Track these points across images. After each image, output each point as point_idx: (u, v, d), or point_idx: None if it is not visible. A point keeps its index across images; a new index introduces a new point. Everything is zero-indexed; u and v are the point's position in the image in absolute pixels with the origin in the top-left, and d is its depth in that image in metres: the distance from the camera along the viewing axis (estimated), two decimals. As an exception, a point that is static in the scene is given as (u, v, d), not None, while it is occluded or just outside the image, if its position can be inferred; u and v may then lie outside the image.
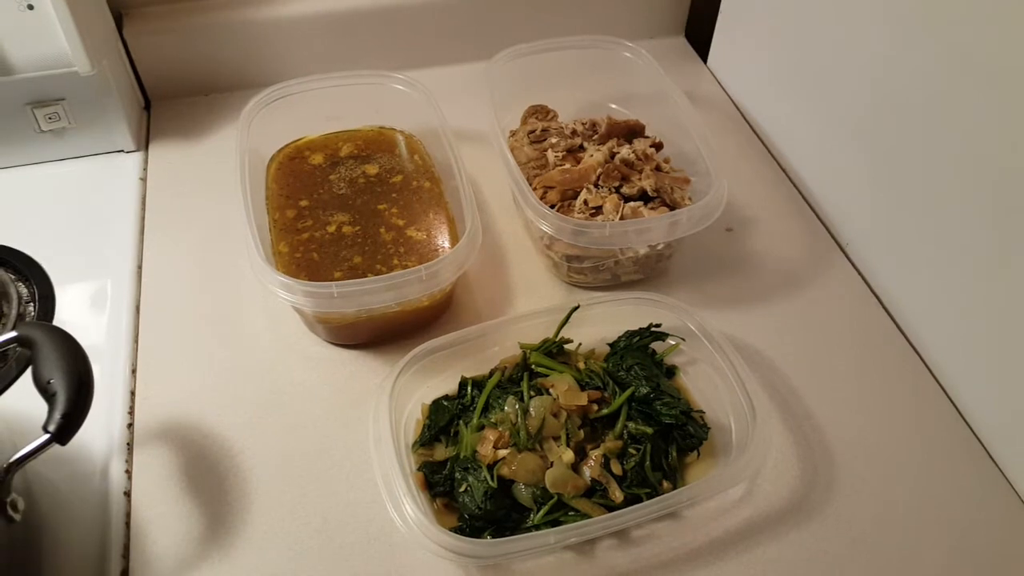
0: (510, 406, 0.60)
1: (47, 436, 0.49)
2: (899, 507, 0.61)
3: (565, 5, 0.97)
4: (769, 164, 0.89)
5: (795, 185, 0.86)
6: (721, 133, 0.91)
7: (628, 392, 0.61)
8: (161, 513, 0.59)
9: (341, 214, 0.73)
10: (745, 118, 0.94)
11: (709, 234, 0.72)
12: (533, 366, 0.64)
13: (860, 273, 0.77)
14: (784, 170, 0.87)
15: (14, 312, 0.70)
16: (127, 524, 0.59)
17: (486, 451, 0.58)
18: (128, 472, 0.62)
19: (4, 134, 0.80)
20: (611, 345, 0.67)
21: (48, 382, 0.51)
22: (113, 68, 0.82)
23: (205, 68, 0.91)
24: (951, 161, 0.64)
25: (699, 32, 1.03)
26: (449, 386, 0.64)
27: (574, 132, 0.79)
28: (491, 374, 0.64)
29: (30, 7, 0.71)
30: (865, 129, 0.74)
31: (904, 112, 0.69)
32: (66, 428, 0.50)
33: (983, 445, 0.65)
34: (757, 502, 0.60)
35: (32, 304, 0.72)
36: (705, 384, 0.65)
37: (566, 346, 0.66)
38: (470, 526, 0.57)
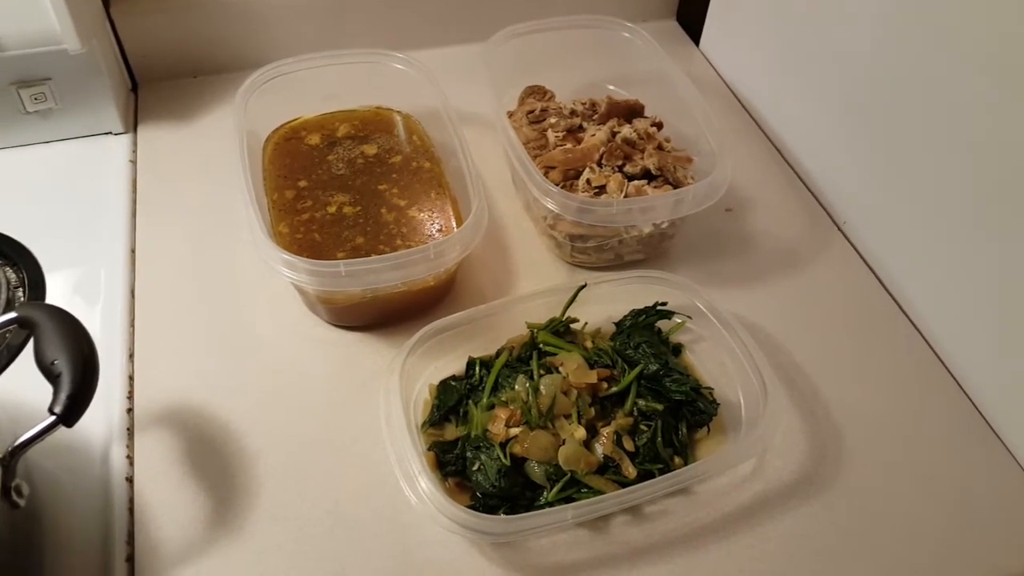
0: (520, 385, 0.60)
1: (53, 418, 0.48)
2: (905, 478, 0.62)
3: (558, -11, 0.97)
4: (764, 144, 0.89)
5: (791, 165, 0.86)
6: (715, 114, 0.91)
7: (637, 369, 0.61)
8: (165, 498, 0.58)
9: (341, 195, 0.72)
10: (738, 99, 0.95)
11: (709, 214, 0.72)
12: (541, 345, 0.64)
13: (857, 251, 0.78)
14: (779, 150, 0.88)
15: (3, 298, 0.68)
16: (130, 510, 0.58)
17: (498, 429, 0.58)
18: (129, 458, 0.60)
19: (-12, 115, 0.78)
20: (617, 324, 0.67)
21: (52, 363, 0.50)
22: (101, 48, 0.80)
23: (193, 49, 0.90)
24: (944, 137, 0.65)
25: (691, 15, 1.03)
26: (455, 367, 0.64)
27: (573, 112, 0.78)
28: (498, 354, 0.64)
29: (18, -18, 0.69)
30: (859, 108, 0.75)
31: (897, 90, 0.69)
32: (72, 409, 0.49)
33: (981, 414, 0.66)
34: (767, 476, 0.61)
35: (21, 289, 0.70)
36: (711, 361, 0.66)
37: (572, 325, 0.66)
38: (484, 504, 0.56)
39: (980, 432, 0.65)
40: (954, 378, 0.69)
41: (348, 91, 0.80)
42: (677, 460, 0.59)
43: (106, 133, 0.84)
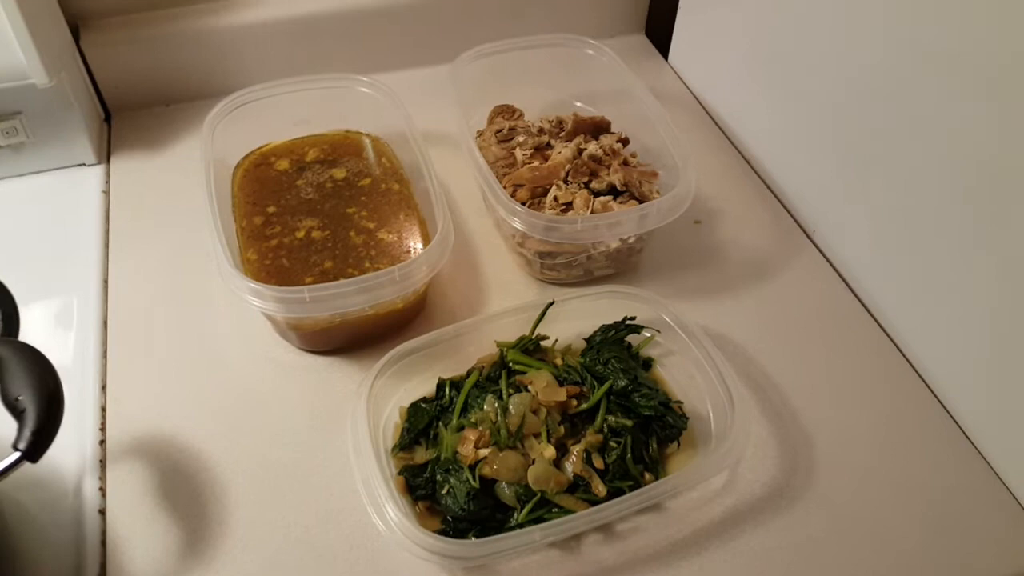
0: (489, 405, 0.60)
1: (18, 454, 0.48)
2: (879, 487, 0.62)
3: (525, 6, 0.97)
4: (733, 156, 0.90)
5: (760, 176, 0.87)
6: (685, 127, 0.92)
7: (606, 386, 0.61)
8: (138, 530, 0.58)
9: (310, 219, 0.72)
10: (708, 112, 0.95)
11: (678, 227, 0.73)
12: (511, 364, 0.64)
13: (827, 259, 0.78)
14: (748, 161, 0.89)
15: (-24, 332, 0.68)
16: (103, 543, 0.58)
17: (467, 451, 0.58)
18: (102, 490, 0.60)
19: (-40, 151, 0.79)
20: (587, 340, 0.67)
21: (16, 399, 0.50)
22: (71, 80, 0.80)
23: (165, 78, 0.90)
24: (913, 145, 0.65)
25: (659, 29, 1.04)
26: (426, 388, 0.64)
27: (541, 130, 0.79)
28: (468, 374, 0.64)
29: (-18, 19, 0.70)
30: (826, 117, 0.75)
31: (864, 99, 0.70)
32: (37, 445, 0.49)
33: (955, 420, 0.66)
34: (739, 490, 0.61)
35: (-5, 323, 0.70)
36: (681, 375, 0.66)
37: (542, 343, 0.66)
38: (454, 528, 0.56)
39: (953, 439, 0.65)
40: (927, 385, 0.69)
41: (317, 116, 0.80)
42: (648, 476, 0.59)
43: (79, 165, 0.84)
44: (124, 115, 0.90)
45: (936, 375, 0.68)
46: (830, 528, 0.59)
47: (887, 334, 0.72)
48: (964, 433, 0.65)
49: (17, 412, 0.50)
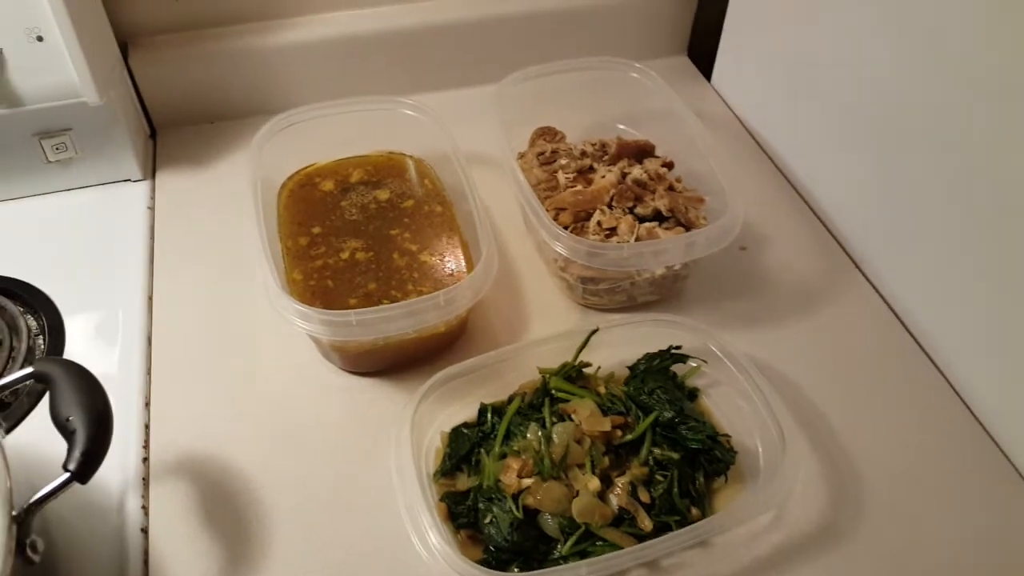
0: (532, 433, 0.59)
1: (67, 475, 0.49)
2: (930, 527, 0.60)
3: (569, 28, 0.97)
4: (778, 181, 0.88)
5: (806, 202, 0.86)
6: (729, 151, 0.91)
7: (652, 417, 0.61)
8: (179, 549, 0.58)
9: (354, 240, 0.72)
10: (751, 135, 0.94)
11: (723, 253, 0.71)
12: (553, 391, 0.63)
13: (876, 289, 0.77)
14: (794, 187, 0.87)
15: (24, 346, 0.69)
16: (145, 562, 0.58)
17: (510, 480, 0.57)
18: (145, 508, 0.61)
19: (12, 165, 0.80)
20: (631, 368, 0.66)
21: (67, 419, 0.51)
22: (119, 97, 0.82)
23: (210, 96, 0.91)
24: (963, 173, 0.64)
25: (702, 51, 1.03)
26: (468, 413, 0.64)
27: (583, 153, 0.78)
28: (510, 400, 0.63)
29: (39, 39, 0.71)
30: (874, 144, 0.74)
31: (912, 126, 0.68)
32: (86, 466, 0.49)
33: (1009, 460, 0.64)
34: (787, 527, 0.59)
35: (42, 337, 0.71)
36: (728, 406, 0.64)
37: (585, 370, 0.65)
38: (496, 558, 0.56)
39: (1009, 478, 0.63)
40: (979, 421, 0.67)
41: (362, 137, 0.81)
42: (694, 511, 0.58)
43: (125, 180, 0.85)
44: (169, 132, 0.92)
45: (990, 413, 0.66)
46: (879, 569, 0.58)
47: (937, 367, 0.70)
48: (1021, 474, 0.63)
49: (67, 432, 0.50)
